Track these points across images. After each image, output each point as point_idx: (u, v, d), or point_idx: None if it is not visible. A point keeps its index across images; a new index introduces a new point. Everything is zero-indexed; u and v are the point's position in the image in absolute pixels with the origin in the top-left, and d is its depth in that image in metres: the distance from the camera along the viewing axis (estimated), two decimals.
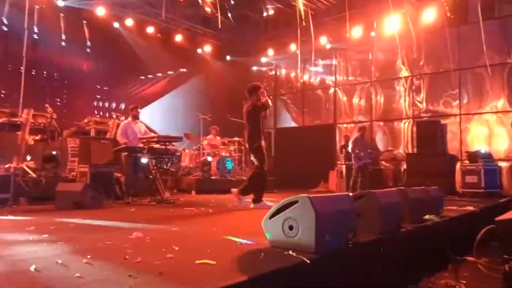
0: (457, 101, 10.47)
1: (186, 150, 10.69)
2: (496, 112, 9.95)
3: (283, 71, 14.24)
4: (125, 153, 6.80)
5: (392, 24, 10.47)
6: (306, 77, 13.54)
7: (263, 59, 14.04)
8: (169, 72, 12.91)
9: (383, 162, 11.49)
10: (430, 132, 10.04)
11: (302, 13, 9.59)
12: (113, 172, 6.95)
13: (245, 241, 2.85)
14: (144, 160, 6.75)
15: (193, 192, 9.08)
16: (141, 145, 6.82)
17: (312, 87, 13.43)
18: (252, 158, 5.85)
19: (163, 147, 6.72)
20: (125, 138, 7.02)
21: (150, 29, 11.78)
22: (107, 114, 11.09)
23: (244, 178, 10.50)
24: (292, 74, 13.94)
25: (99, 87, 11.82)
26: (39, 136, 7.33)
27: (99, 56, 11.39)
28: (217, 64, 14.02)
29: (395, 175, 11.24)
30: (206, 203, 6.58)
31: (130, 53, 11.57)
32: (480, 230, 3.39)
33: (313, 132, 12.86)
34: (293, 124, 13.83)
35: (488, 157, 9.42)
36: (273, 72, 14.39)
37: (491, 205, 6.71)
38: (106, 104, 11.81)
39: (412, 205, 4.00)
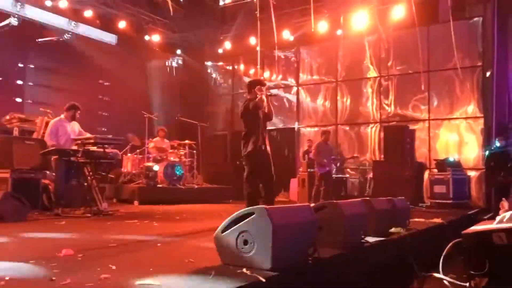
0: (426, 105, 10.97)
1: (128, 154, 10.47)
2: (466, 118, 10.53)
3: (241, 67, 14.30)
4: (55, 157, 6.58)
5: (360, 20, 10.82)
6: (266, 75, 13.67)
7: (220, 52, 14.03)
8: None
9: (348, 170, 11.83)
10: (398, 138, 10.47)
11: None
12: (40, 179, 6.67)
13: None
14: (78, 165, 6.54)
15: (136, 203, 8.91)
16: (75, 147, 6.63)
17: (274, 86, 13.58)
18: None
19: (101, 150, 6.56)
20: (55, 139, 6.79)
21: (88, 13, 11.44)
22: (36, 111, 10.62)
23: (196, 186, 10.49)
24: (251, 70, 14.03)
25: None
26: None
27: None
28: (166, 56, 13.85)
29: (361, 184, 11.61)
30: (151, 215, 6.49)
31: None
32: (448, 243, 3.58)
33: (273, 135, 12.99)
34: None
35: (457, 165, 9.96)
36: (230, 68, 14.43)
37: (459, 217, 7.10)
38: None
39: (378, 217, 4.14)
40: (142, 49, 12.81)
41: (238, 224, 2.59)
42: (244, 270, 2.43)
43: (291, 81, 13.25)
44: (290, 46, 12.76)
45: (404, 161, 10.32)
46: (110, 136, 6.93)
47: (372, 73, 11.84)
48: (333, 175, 9.68)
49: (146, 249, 3.51)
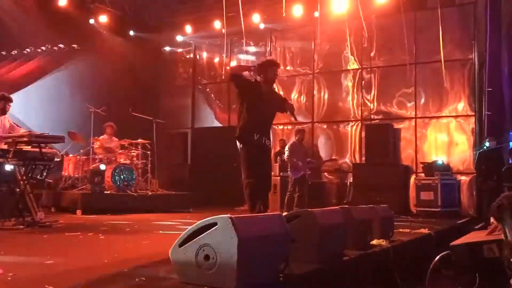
0: (413, 102, 11.22)
1: (70, 155, 10.27)
2: (456, 116, 10.83)
3: (204, 55, 14.24)
4: None
5: (339, 4, 10.95)
6: (233, 64, 13.66)
7: (179, 38, 13.91)
8: (43, 48, 12.22)
9: (325, 174, 11.96)
10: (381, 138, 10.68)
11: None
12: None
13: None
14: (8, 168, 6.40)
15: (79, 212, 8.78)
16: (4, 146, 6.48)
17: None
18: None
19: (37, 150, 6.43)
20: None
21: None
22: None
23: (150, 193, 10.38)
24: (216, 59, 13.99)
25: None
26: None
27: None
28: (116, 40, 13.62)
29: (340, 189, 11.76)
30: (96, 227, 6.45)
31: None
32: (435, 256, 3.68)
33: None
34: (217, 124, 13.88)
35: (446, 169, 10.23)
36: (191, 55, 14.35)
37: (448, 227, 7.31)
38: None
39: (358, 227, 4.22)
40: (87, 31, 12.57)
41: (199, 237, 2.59)
42: None
43: None
44: (261, 32, 12.80)
45: (388, 164, 10.52)
46: (47, 134, 6.78)
47: (353, 64, 12.00)
48: (309, 180, 9.76)
49: (90, 266, 3.46)
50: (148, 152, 10.70)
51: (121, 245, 4.87)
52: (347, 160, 11.82)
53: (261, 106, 5.38)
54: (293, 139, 10.03)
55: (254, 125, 5.34)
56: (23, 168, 6.45)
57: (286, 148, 9.66)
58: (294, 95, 12.72)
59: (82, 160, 10.17)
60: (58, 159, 8.21)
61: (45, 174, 6.95)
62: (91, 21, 12.72)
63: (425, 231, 6.18)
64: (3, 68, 11.45)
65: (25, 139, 6.39)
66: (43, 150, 6.50)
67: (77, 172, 10.11)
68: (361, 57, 11.88)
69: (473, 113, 10.53)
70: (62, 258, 3.83)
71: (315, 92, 12.43)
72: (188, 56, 14.43)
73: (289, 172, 9.54)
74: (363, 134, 11.41)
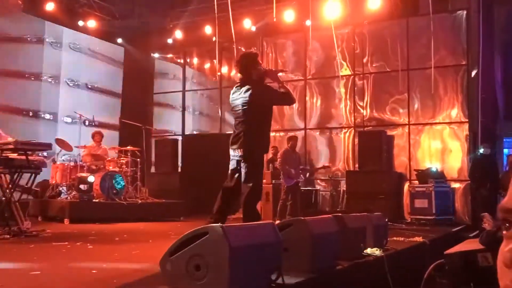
0: (406, 109, 11.29)
1: (57, 162, 10.20)
2: (450, 123, 10.91)
3: (195, 61, 14.25)
4: None
5: (331, 9, 11.00)
6: (225, 70, 13.69)
7: (169, 42, 13.91)
8: None
9: (318, 181, 11.99)
10: (375, 145, 10.72)
11: None
12: None
13: None
14: None
15: (67, 221, 8.70)
16: None
17: (233, 83, 13.58)
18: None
19: (23, 157, 6.36)
20: None
21: None
22: None
23: (139, 201, 10.33)
24: (207, 65, 14.01)
25: None
26: None
27: None
28: (104, 45, 13.61)
29: (333, 197, 11.78)
30: (84, 236, 6.40)
31: None
32: (429, 265, 3.69)
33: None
34: (207, 130, 13.87)
35: (440, 176, 10.29)
36: (181, 61, 14.35)
37: (442, 235, 7.35)
38: None
39: (351, 236, 4.22)
40: None
41: (189, 246, 2.58)
42: None
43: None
44: (252, 38, 12.83)
45: (381, 172, 10.57)
46: (34, 141, 6.76)
47: (346, 70, 12.05)
48: (301, 188, 9.77)
49: (78, 278, 3.43)
50: (138, 159, 10.66)
51: (110, 255, 4.85)
52: (340, 167, 11.85)
53: None
54: (285, 146, 10.04)
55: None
56: (9, 175, 6.38)
57: (279, 155, 9.67)
58: None
59: (70, 168, 10.10)
60: (45, 167, 8.16)
61: (31, 182, 6.85)
62: (80, 23, 12.67)
63: (419, 239, 6.21)
64: None
65: (11, 146, 6.32)
66: (30, 157, 6.41)
67: (64, 180, 10.02)
68: (353, 63, 11.94)
69: (467, 120, 10.62)
70: (49, 269, 3.80)
71: (307, 98, 12.47)
72: (178, 61, 14.44)
73: (281, 180, 9.54)
74: (356, 141, 11.46)
